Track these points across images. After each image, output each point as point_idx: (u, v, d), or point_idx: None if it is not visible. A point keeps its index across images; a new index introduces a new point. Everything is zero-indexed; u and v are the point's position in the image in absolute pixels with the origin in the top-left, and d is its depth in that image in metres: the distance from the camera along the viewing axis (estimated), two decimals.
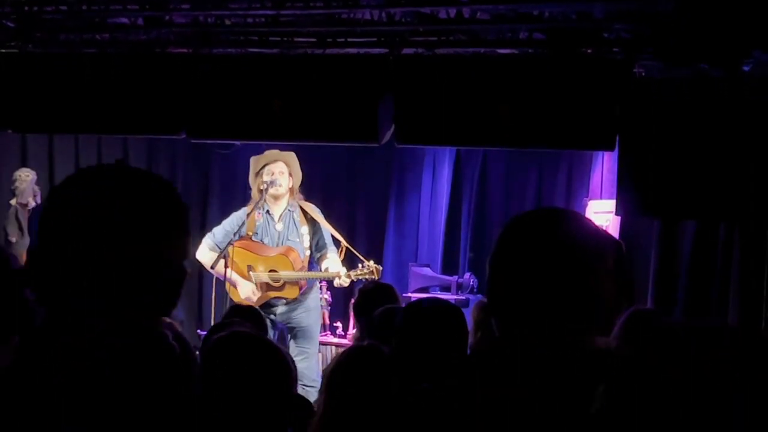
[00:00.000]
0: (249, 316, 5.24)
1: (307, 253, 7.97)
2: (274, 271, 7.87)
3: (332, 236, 8.03)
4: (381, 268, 7.90)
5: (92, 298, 1.52)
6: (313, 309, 8.07)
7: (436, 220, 10.07)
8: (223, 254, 7.72)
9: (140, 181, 1.60)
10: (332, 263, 7.87)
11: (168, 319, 4.82)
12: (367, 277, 7.68)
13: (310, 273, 7.92)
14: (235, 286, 7.91)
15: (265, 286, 7.92)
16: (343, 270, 7.75)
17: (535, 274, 1.96)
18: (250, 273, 7.91)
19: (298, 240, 7.97)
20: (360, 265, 7.76)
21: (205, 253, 8.02)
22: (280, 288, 7.89)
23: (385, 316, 4.62)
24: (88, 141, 10.11)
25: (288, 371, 3.16)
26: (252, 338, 3.28)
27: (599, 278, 1.97)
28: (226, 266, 7.70)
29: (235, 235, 7.86)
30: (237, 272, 7.90)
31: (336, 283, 7.81)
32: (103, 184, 1.58)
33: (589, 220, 2.15)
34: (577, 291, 1.94)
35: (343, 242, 7.98)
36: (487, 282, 2.03)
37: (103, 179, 1.59)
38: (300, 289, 7.88)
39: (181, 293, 1.61)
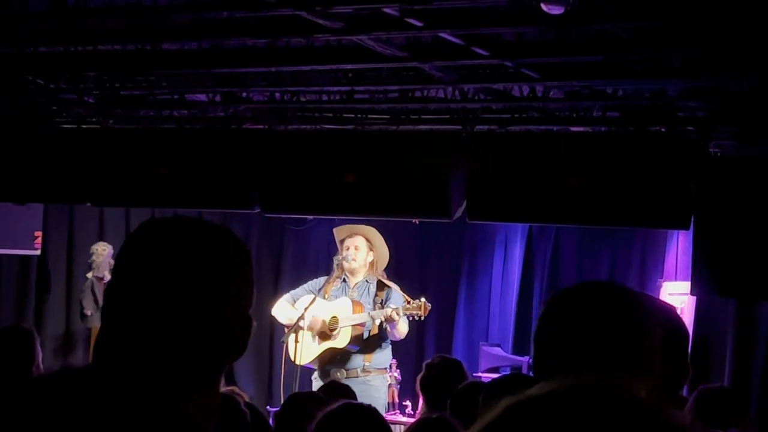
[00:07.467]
0: (340, 392, 5.18)
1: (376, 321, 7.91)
2: (334, 318, 7.86)
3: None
4: (430, 307, 7.80)
5: (164, 348, 1.54)
6: (374, 399, 7.73)
7: (507, 298, 9.97)
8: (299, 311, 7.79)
9: (204, 231, 1.62)
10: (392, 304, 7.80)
11: (237, 390, 4.83)
12: (414, 312, 7.64)
13: (364, 314, 7.82)
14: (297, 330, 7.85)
15: (320, 335, 7.90)
16: (393, 305, 7.68)
17: (581, 338, 1.94)
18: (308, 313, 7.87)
19: (369, 306, 7.96)
20: (410, 302, 7.72)
21: (282, 304, 8.12)
22: (334, 336, 7.85)
23: (469, 391, 4.54)
24: (164, 215, 10.25)
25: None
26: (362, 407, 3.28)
27: (645, 341, 1.94)
28: (298, 326, 7.71)
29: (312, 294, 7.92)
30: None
31: (385, 315, 7.67)
32: (167, 235, 1.60)
33: (645, 295, 2.12)
34: (625, 350, 1.91)
35: (406, 296, 7.87)
36: (534, 352, 2.02)
37: (167, 230, 1.62)
38: (351, 339, 7.81)
39: (248, 343, 1.62)
